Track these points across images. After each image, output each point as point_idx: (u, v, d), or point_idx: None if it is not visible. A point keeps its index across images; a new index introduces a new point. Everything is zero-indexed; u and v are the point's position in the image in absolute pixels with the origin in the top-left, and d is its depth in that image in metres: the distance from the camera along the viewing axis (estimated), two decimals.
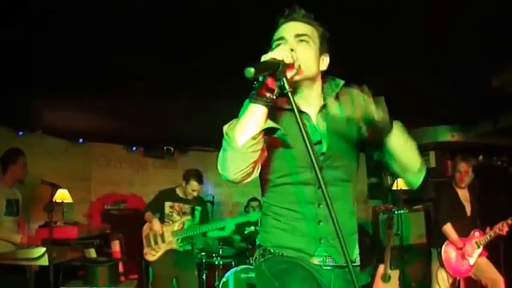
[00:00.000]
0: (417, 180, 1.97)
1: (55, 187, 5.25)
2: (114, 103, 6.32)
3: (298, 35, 1.85)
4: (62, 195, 7.01)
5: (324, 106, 1.93)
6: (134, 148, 9.14)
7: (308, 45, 1.86)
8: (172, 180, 8.80)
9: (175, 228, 5.42)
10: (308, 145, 1.55)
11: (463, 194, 5.26)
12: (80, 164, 8.47)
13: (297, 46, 1.82)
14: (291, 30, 1.87)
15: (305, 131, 1.56)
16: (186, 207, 5.57)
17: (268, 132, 1.72)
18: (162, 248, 5.41)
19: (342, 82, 1.97)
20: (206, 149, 9.11)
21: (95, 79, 5.20)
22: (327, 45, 1.97)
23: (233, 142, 1.67)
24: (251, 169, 1.73)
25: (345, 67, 2.05)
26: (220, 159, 1.74)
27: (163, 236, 5.39)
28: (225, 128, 1.74)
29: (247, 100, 1.73)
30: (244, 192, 7.77)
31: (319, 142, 1.89)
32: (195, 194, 5.56)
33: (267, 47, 1.88)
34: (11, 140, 6.44)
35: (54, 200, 6.38)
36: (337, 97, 1.97)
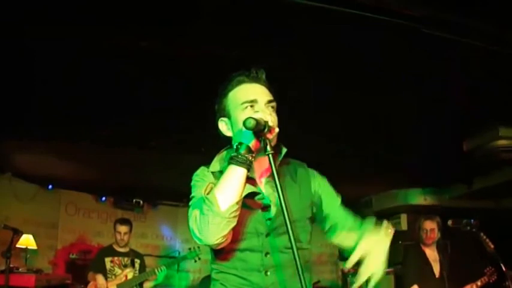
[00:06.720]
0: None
1: (17, 232, 5.10)
2: (87, 152, 6.28)
3: (269, 101, 1.83)
4: (26, 241, 6.82)
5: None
6: (104, 198, 8.97)
7: (274, 111, 1.84)
8: (141, 234, 8.65)
9: (119, 281, 5.37)
10: (283, 206, 1.57)
11: (431, 254, 5.08)
12: (48, 210, 8.23)
13: (269, 111, 1.79)
14: (262, 95, 1.84)
15: (279, 194, 1.58)
16: (126, 260, 5.57)
17: (249, 196, 1.72)
18: None
19: (285, 150, 1.91)
20: (176, 203, 9.05)
21: (69, 126, 5.19)
22: None
23: (216, 207, 1.60)
24: (229, 233, 1.68)
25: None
26: (199, 224, 1.64)
27: None
28: (202, 192, 1.70)
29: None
30: None
31: (267, 207, 1.83)
32: (126, 238, 5.60)
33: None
34: None
35: (17, 246, 6.19)
36: (285, 164, 1.94)
